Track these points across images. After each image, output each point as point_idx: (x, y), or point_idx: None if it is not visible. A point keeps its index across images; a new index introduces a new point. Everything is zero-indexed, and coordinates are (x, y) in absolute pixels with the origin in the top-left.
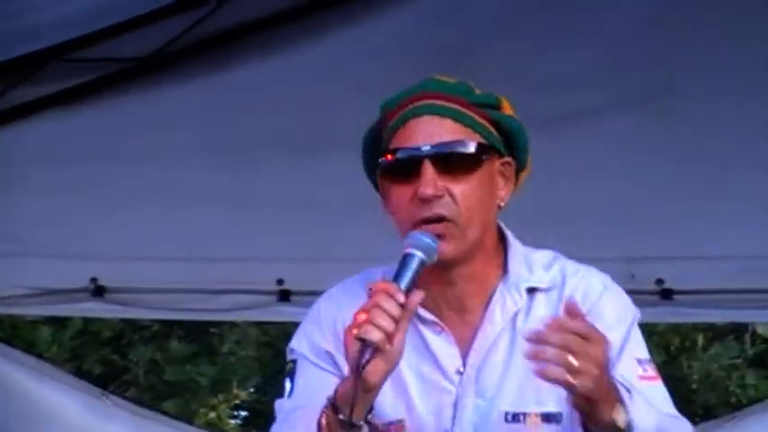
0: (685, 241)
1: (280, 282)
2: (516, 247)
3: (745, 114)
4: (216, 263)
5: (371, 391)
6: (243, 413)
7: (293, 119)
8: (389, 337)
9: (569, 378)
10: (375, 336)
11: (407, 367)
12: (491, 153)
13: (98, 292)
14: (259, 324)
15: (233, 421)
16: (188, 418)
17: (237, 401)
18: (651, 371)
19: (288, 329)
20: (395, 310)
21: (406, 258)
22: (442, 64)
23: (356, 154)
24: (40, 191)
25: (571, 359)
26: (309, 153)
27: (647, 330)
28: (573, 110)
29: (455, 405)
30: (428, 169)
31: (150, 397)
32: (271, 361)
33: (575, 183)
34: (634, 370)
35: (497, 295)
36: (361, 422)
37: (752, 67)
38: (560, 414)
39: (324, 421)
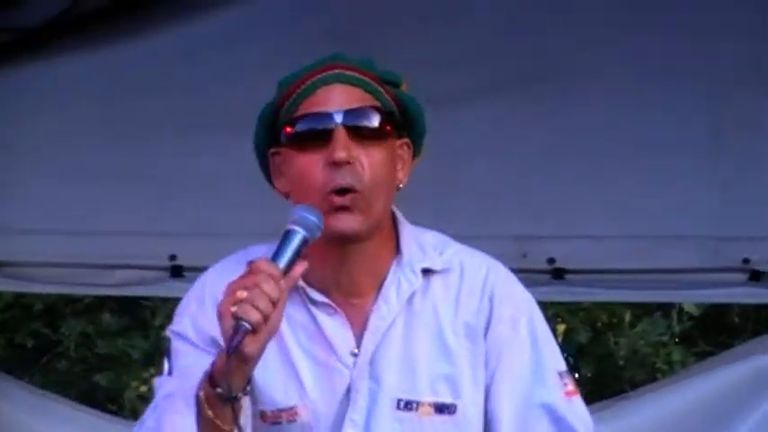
0: (576, 220)
1: (172, 257)
2: (408, 228)
3: (628, 92)
4: (108, 238)
5: (249, 362)
6: None
7: (179, 98)
8: (266, 318)
9: None
10: (253, 317)
11: (299, 350)
12: (394, 129)
13: None
14: None
15: None
16: (119, 391)
17: None
18: (571, 384)
19: None
20: (275, 293)
21: (288, 235)
22: (322, 47)
23: (238, 130)
24: None
25: None
26: (195, 131)
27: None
28: (457, 90)
29: (349, 389)
30: (341, 133)
31: (81, 369)
32: None
33: (461, 163)
34: (559, 389)
35: (391, 277)
36: (240, 394)
37: (628, 48)
38: (454, 405)
39: (202, 395)
